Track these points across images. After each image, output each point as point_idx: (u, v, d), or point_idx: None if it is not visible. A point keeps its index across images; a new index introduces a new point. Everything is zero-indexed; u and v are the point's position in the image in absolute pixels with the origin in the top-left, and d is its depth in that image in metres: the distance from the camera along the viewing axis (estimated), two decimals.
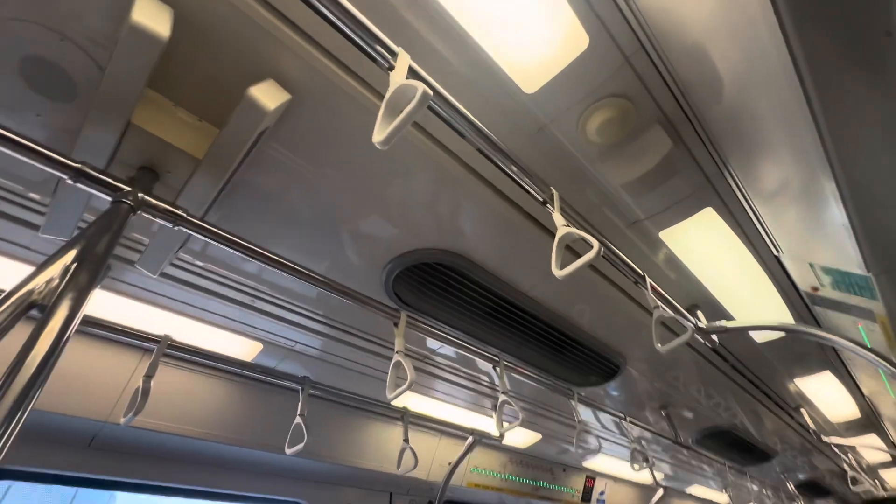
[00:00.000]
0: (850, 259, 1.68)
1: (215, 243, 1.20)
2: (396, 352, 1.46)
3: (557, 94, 1.29)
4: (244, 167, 1.23)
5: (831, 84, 1.08)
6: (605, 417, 3.21)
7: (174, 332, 1.77)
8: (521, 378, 2.48)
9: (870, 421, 4.14)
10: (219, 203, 1.32)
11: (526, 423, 3.05)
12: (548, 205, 1.22)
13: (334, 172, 1.36)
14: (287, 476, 2.59)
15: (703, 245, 1.85)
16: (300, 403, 1.89)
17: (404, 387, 1.34)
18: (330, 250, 1.63)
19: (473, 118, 1.07)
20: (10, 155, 0.91)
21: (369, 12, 0.92)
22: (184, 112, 1.11)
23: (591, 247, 1.08)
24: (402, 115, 0.71)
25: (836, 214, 1.58)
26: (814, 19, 0.93)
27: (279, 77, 1.09)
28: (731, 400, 3.34)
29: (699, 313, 2.21)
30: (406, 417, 2.33)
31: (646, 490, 4.72)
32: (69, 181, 0.96)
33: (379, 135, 0.74)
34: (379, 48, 0.90)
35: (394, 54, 0.89)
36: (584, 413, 3.06)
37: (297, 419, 1.84)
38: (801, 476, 5.62)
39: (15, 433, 0.68)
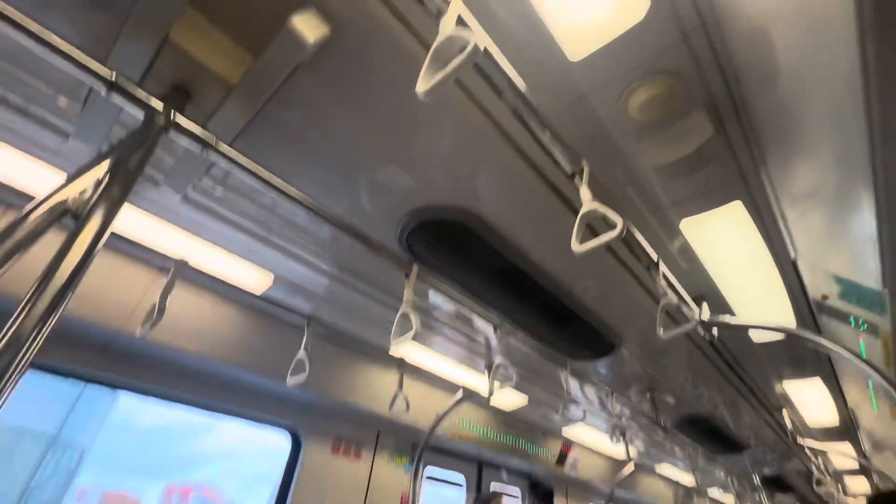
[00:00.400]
0: (869, 273, 1.66)
1: (238, 172, 1.20)
2: (405, 302, 1.49)
3: (604, 63, 1.23)
4: (275, 99, 1.21)
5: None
6: (590, 391, 3.31)
7: (190, 254, 1.82)
8: (517, 344, 2.55)
9: (847, 429, 4.25)
10: (246, 132, 1.31)
11: (515, 386, 3.16)
12: (576, 178, 1.21)
13: (363, 115, 1.34)
14: (284, 403, 2.74)
15: (721, 238, 1.83)
16: (304, 339, 1.97)
17: (408, 335, 1.39)
18: (349, 194, 1.63)
19: (515, 78, 1.03)
20: (46, 58, 0.90)
21: None
22: (221, 34, 1.08)
23: (612, 227, 1.08)
24: (448, 68, 0.69)
25: (866, 225, 1.55)
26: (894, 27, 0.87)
27: (322, 7, 1.04)
28: (716, 391, 3.42)
29: (704, 305, 2.22)
30: (403, 366, 2.42)
31: (618, 462, 4.95)
32: (103, 93, 0.95)
33: (423, 84, 0.72)
34: None
35: (445, 0, 0.84)
36: (573, 384, 3.16)
37: (301, 353, 1.92)
38: (767, 470, 5.85)
39: (47, 333, 0.73)
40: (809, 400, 3.61)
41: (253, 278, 2.04)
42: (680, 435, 4.08)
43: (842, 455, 3.59)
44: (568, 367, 2.57)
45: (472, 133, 1.40)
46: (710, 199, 1.60)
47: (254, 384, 2.54)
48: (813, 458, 4.80)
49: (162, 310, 1.55)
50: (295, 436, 2.83)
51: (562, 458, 4.42)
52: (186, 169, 1.32)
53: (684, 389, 3.38)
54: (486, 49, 0.97)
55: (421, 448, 2.93)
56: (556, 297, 2.15)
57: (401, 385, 2.33)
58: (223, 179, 1.56)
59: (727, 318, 1.85)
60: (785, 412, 3.89)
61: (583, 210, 1.12)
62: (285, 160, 1.48)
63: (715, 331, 1.97)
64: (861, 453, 5.02)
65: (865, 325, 2.03)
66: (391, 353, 1.48)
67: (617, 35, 1.17)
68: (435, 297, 2.25)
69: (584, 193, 1.14)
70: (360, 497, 2.93)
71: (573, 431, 4.22)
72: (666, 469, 5.56)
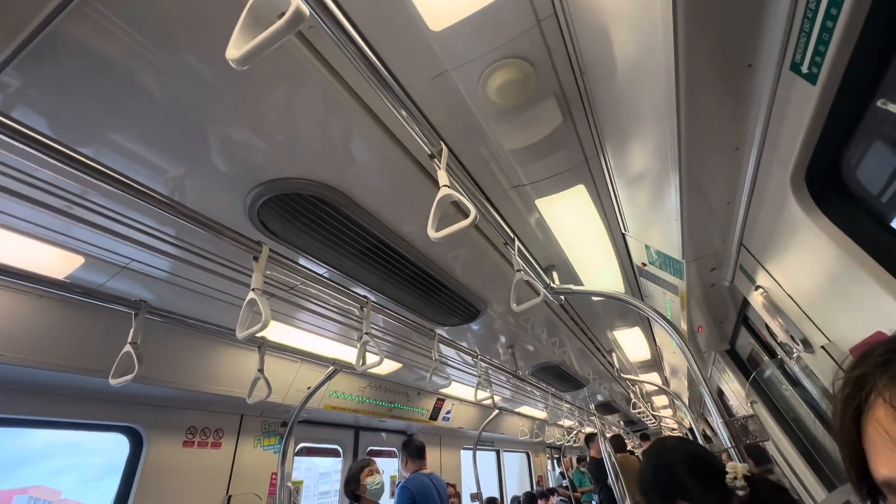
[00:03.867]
0: (674, 246, 2.01)
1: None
2: (253, 289, 1.33)
3: (464, 38, 1.19)
4: (60, 22, 0.91)
5: (698, 97, 1.18)
6: (459, 352, 3.53)
7: None
8: (388, 314, 2.55)
9: (655, 363, 5.34)
10: (22, 61, 0.97)
11: (388, 355, 3.20)
12: (435, 160, 1.17)
13: (199, 64, 1.09)
14: (119, 401, 2.35)
15: (569, 215, 2.03)
16: (132, 330, 1.66)
17: (257, 327, 1.25)
18: (188, 154, 1.35)
19: (366, 48, 0.92)
20: None
21: None
22: None
23: (467, 213, 1.08)
24: (263, 35, 0.56)
25: (673, 207, 1.85)
26: (700, 41, 0.99)
27: None
28: (566, 341, 3.95)
29: (554, 273, 2.47)
30: (263, 347, 2.24)
31: (485, 409, 5.48)
32: None
33: (235, 49, 0.58)
34: None
35: None
36: (443, 347, 3.32)
37: (128, 347, 1.62)
38: (599, 398, 7.10)
39: None
40: (631, 343, 4.41)
41: (53, 260, 1.63)
42: (535, 381, 4.65)
43: (651, 384, 4.53)
44: (436, 336, 2.66)
45: (331, 104, 1.26)
46: (560, 182, 1.74)
47: (73, 385, 2.11)
48: (631, 386, 5.96)
49: None
50: (136, 434, 2.46)
51: (435, 413, 4.71)
52: None
53: (540, 342, 3.82)
54: (330, 10, 0.84)
55: (290, 426, 2.82)
56: (425, 269, 2.18)
57: (261, 368, 2.15)
58: None
59: (571, 286, 2.09)
60: (614, 354, 4.70)
61: (438, 196, 1.09)
62: (98, 99, 1.12)
63: (563, 296, 2.22)
64: (664, 380, 6.40)
65: (669, 286, 2.50)
66: (239, 337, 1.32)
67: (476, 9, 1.13)
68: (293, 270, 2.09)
69: (441, 178, 1.11)
70: (221, 487, 2.72)
71: (445, 389, 4.51)
72: (525, 409, 6.36)
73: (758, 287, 1.99)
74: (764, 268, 1.85)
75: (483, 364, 3.29)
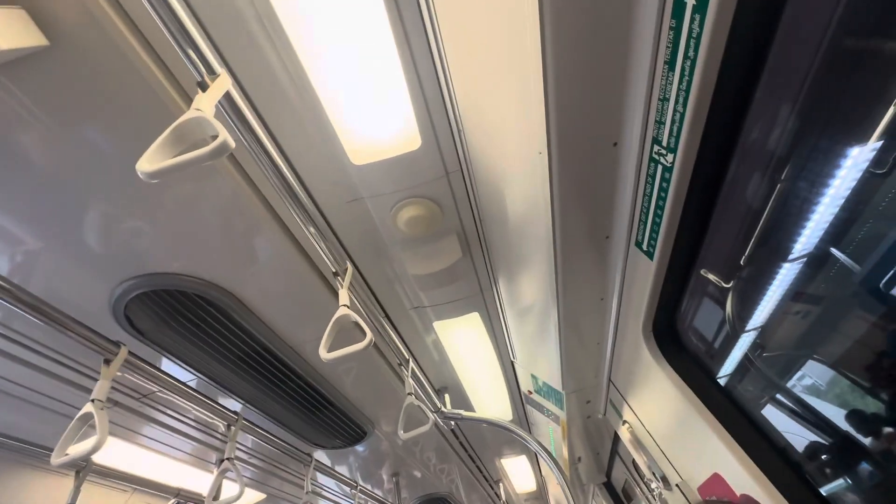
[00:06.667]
0: (556, 378, 2.16)
1: None
2: (93, 400, 1.11)
3: (382, 175, 1.33)
4: None
5: (571, 253, 1.42)
6: (337, 481, 3.14)
7: None
8: (259, 433, 2.24)
9: (541, 495, 5.24)
10: None
11: (251, 483, 2.72)
12: (338, 277, 1.19)
13: (96, 136, 1.03)
14: None
15: (464, 340, 2.11)
16: None
17: (84, 450, 1.02)
18: (53, 229, 1.19)
19: (285, 170, 0.98)
20: None
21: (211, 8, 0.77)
22: None
23: (365, 334, 1.09)
24: (185, 157, 0.58)
25: (554, 341, 2.04)
26: (571, 212, 1.24)
27: (39, 14, 0.80)
28: (454, 470, 3.75)
29: (447, 396, 2.46)
30: (84, 472, 1.77)
31: None
32: None
33: (149, 163, 0.58)
34: (192, 54, 0.74)
35: (212, 72, 0.75)
36: (319, 476, 2.93)
37: None
38: None
39: None
40: (518, 472, 4.33)
41: None
42: None
43: None
44: (312, 462, 2.37)
45: (237, 205, 1.25)
46: (456, 308, 1.85)
47: None
48: None
49: None
50: None
51: None
52: None
53: (427, 469, 3.58)
54: (255, 133, 0.90)
55: None
56: (311, 383, 2.02)
57: (73, 501, 1.67)
58: None
59: (461, 412, 2.08)
60: (502, 484, 4.54)
61: (336, 315, 1.09)
62: None
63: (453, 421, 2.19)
64: None
65: (552, 415, 2.61)
66: (54, 462, 1.04)
67: (395, 155, 1.29)
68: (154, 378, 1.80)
69: (342, 297, 1.13)
70: None
71: None
72: None
73: (625, 422, 2.18)
74: (628, 404, 2.05)
75: (362, 496, 2.93)
